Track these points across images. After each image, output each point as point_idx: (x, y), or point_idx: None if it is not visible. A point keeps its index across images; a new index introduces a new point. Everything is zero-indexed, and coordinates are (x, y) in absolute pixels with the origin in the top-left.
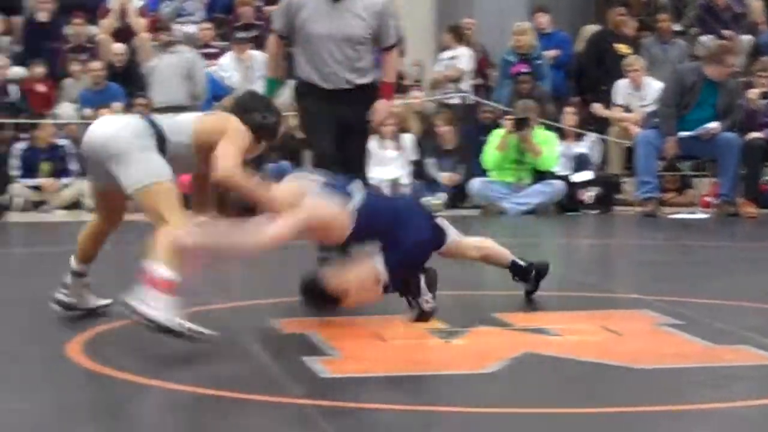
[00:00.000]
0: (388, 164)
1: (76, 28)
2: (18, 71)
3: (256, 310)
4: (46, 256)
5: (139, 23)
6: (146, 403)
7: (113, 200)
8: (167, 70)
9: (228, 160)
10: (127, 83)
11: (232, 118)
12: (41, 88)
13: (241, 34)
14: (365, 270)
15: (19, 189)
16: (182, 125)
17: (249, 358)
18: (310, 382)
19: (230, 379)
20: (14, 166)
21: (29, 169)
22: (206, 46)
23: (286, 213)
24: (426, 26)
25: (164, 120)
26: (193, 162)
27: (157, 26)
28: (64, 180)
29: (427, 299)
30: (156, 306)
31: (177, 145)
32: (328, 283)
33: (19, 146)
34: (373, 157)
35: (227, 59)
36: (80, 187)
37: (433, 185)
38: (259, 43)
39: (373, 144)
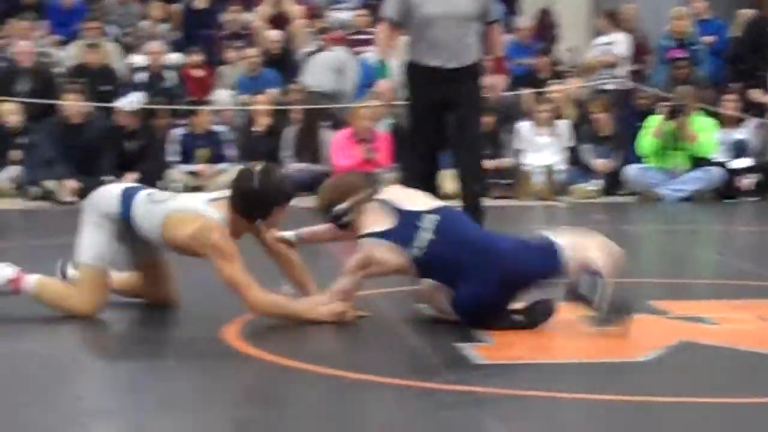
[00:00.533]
0: (543, 150)
1: (232, 15)
2: (176, 58)
3: (408, 296)
4: None
5: (295, 10)
6: (299, 388)
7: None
8: (321, 60)
9: (247, 289)
10: (282, 70)
11: (198, 231)
12: (198, 74)
13: None
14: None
15: (177, 175)
16: (155, 217)
17: (402, 343)
18: (463, 368)
19: (383, 365)
20: (172, 152)
21: (186, 155)
22: (360, 32)
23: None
24: (581, 12)
25: (142, 206)
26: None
27: (312, 13)
28: (221, 166)
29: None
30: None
31: (141, 231)
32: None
33: (177, 132)
34: (528, 144)
35: None
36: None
37: (588, 172)
38: None
39: (528, 130)
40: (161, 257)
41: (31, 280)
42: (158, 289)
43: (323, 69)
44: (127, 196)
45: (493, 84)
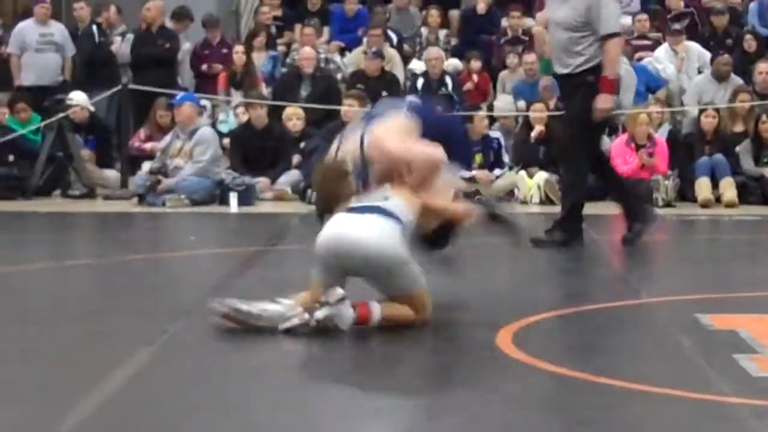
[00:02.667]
0: None
1: (512, 21)
2: (455, 63)
3: (686, 305)
4: (486, 246)
5: None
6: (573, 396)
7: None
8: None
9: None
10: None
11: None
12: (477, 80)
13: (675, 26)
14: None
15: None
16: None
17: (678, 353)
18: (741, 380)
19: (659, 375)
20: None
21: None
22: (641, 37)
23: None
24: None
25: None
26: None
27: None
28: (497, 171)
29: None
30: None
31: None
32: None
33: None
34: None
35: (662, 51)
36: (513, 178)
37: None
38: (691, 33)
39: None
40: None
41: (376, 307)
42: None
43: None
44: None
45: (596, 103)
